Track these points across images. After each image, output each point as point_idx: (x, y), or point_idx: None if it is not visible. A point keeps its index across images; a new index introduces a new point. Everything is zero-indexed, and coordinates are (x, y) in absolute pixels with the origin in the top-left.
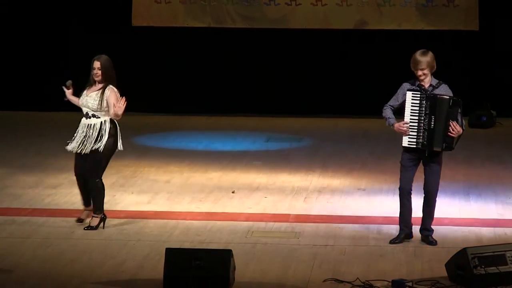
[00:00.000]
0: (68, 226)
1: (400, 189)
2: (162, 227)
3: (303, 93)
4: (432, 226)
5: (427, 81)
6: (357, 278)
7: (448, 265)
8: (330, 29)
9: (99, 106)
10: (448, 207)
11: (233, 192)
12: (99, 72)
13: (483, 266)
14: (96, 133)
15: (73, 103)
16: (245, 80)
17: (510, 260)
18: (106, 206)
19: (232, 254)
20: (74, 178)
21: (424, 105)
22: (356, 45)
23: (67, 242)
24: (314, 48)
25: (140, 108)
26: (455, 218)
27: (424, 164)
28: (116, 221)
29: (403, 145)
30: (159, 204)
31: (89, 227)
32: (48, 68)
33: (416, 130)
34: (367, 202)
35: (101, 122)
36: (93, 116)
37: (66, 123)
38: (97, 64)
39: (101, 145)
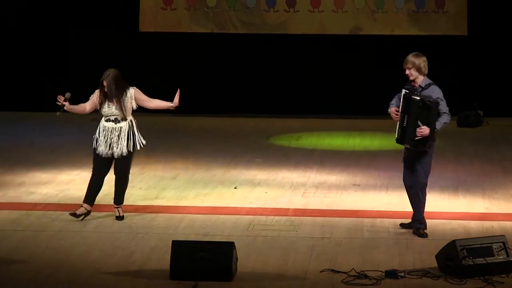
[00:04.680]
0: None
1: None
2: (169, 221)
3: (301, 94)
4: None
5: (419, 81)
6: (353, 268)
7: (438, 256)
8: (326, 34)
9: (127, 111)
10: (438, 201)
11: (235, 188)
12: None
13: (471, 257)
14: (126, 134)
15: (73, 112)
16: (246, 82)
17: (496, 251)
18: None
19: (235, 246)
20: (85, 174)
21: (401, 104)
22: (351, 49)
23: (79, 235)
24: (311, 52)
25: (148, 109)
26: (444, 212)
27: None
28: (125, 215)
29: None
30: (166, 199)
31: (120, 217)
32: (59, 72)
33: (398, 126)
34: (361, 197)
35: (128, 122)
36: (122, 119)
37: (78, 123)
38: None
39: (138, 143)
